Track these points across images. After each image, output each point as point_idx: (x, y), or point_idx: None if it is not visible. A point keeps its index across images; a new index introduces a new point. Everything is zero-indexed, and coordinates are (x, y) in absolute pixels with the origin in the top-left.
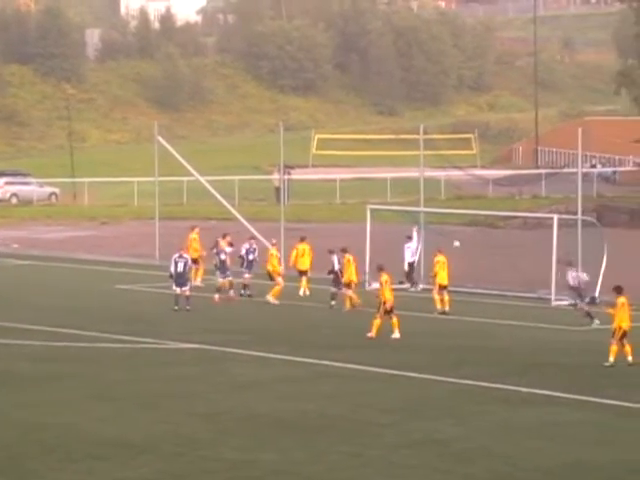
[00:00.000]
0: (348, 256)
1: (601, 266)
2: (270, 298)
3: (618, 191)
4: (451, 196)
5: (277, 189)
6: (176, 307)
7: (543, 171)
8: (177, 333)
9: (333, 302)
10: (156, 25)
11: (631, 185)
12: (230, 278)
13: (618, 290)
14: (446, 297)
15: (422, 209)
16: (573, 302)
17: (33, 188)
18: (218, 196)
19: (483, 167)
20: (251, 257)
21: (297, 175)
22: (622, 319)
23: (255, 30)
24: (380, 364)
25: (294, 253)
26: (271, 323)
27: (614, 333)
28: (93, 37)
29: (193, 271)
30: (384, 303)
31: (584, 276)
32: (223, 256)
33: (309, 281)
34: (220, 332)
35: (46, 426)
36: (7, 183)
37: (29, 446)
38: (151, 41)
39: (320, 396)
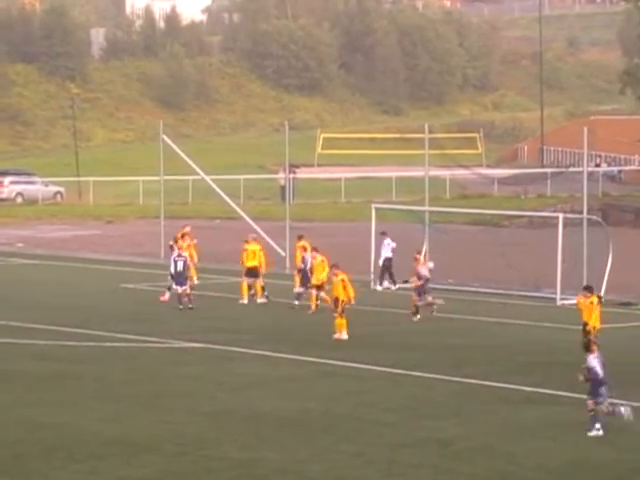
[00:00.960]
0: (320, 257)
1: (606, 265)
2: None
3: (623, 190)
4: (456, 195)
5: (282, 188)
6: (180, 306)
7: (548, 170)
8: (181, 332)
9: (297, 302)
10: (161, 24)
11: (636, 184)
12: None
13: (589, 289)
14: (429, 298)
15: (427, 208)
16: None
17: (38, 187)
18: (223, 195)
19: (488, 166)
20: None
21: (302, 174)
22: (589, 318)
23: (260, 29)
24: (383, 363)
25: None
26: (275, 322)
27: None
28: (98, 36)
29: (193, 270)
30: (342, 302)
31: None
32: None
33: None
34: (224, 331)
35: (49, 425)
36: (12, 182)
37: (32, 445)
38: (156, 40)
39: (323, 395)
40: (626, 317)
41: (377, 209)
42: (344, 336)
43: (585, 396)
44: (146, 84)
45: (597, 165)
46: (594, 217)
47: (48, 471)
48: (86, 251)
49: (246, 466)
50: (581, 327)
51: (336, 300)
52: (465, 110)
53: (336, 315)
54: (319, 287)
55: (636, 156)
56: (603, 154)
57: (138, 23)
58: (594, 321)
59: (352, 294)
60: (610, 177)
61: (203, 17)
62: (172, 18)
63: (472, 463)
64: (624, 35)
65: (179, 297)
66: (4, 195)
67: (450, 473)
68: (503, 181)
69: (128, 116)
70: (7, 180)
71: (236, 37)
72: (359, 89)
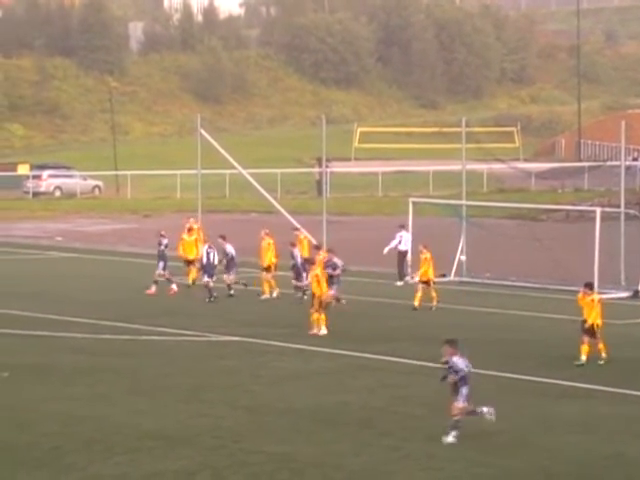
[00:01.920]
0: (324, 253)
1: None
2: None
3: None
4: (493, 189)
5: (318, 182)
6: (212, 298)
7: (586, 164)
8: (217, 325)
9: (300, 295)
10: (199, 18)
11: None
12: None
13: (589, 286)
14: (433, 293)
15: (464, 202)
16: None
17: (77, 181)
18: (260, 189)
19: (525, 160)
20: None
21: (339, 168)
22: (589, 315)
23: (297, 23)
24: (420, 357)
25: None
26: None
27: (595, 330)
28: (136, 30)
29: (194, 271)
30: (317, 297)
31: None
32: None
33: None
34: (261, 325)
35: (86, 418)
36: (51, 176)
37: (70, 439)
38: (194, 34)
39: (361, 389)
40: None
41: (414, 203)
42: (322, 331)
43: (624, 390)
44: (184, 78)
45: (634, 159)
46: (631, 211)
47: (86, 464)
48: (123, 245)
49: (282, 460)
50: (581, 324)
51: (313, 296)
52: (502, 104)
53: (312, 311)
54: (267, 269)
55: None
56: None
57: (176, 17)
58: (594, 318)
59: (325, 289)
60: None
61: (240, 10)
62: (210, 12)
63: (508, 457)
64: None
65: (210, 289)
66: (42, 189)
67: (486, 467)
68: (540, 175)
69: (166, 110)
70: (45, 174)
71: (273, 31)
72: (396, 83)
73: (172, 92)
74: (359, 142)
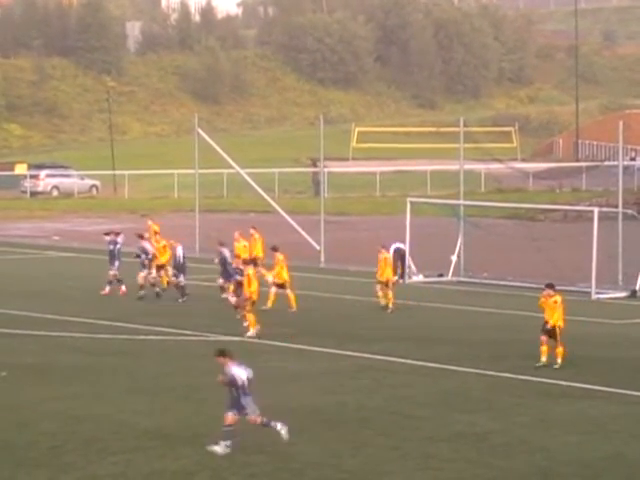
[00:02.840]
0: (281, 255)
1: None
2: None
3: None
4: (491, 189)
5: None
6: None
7: (584, 164)
8: (216, 325)
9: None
10: (197, 18)
11: None
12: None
13: (551, 287)
14: (390, 295)
15: (462, 202)
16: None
17: (74, 181)
18: (258, 189)
19: (523, 160)
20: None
21: (336, 168)
22: (550, 316)
23: (295, 22)
24: (419, 357)
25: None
26: (311, 316)
27: (556, 332)
28: (134, 30)
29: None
30: (249, 298)
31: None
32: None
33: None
34: (260, 325)
35: (85, 418)
36: (48, 176)
37: (68, 438)
38: (191, 34)
39: (359, 389)
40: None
41: (412, 203)
42: (250, 333)
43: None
44: (181, 78)
45: (632, 159)
46: (629, 211)
47: (84, 464)
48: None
49: (282, 459)
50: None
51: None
52: (500, 104)
53: (245, 312)
54: (281, 285)
55: None
56: (639, 148)
57: (174, 17)
58: (556, 320)
59: (254, 289)
60: None
61: (238, 10)
62: (207, 11)
63: (508, 457)
64: None
65: (179, 288)
66: (40, 188)
67: (486, 467)
68: (538, 175)
69: (163, 109)
70: (43, 173)
71: (271, 31)
72: (394, 83)
73: (170, 92)
74: (357, 142)
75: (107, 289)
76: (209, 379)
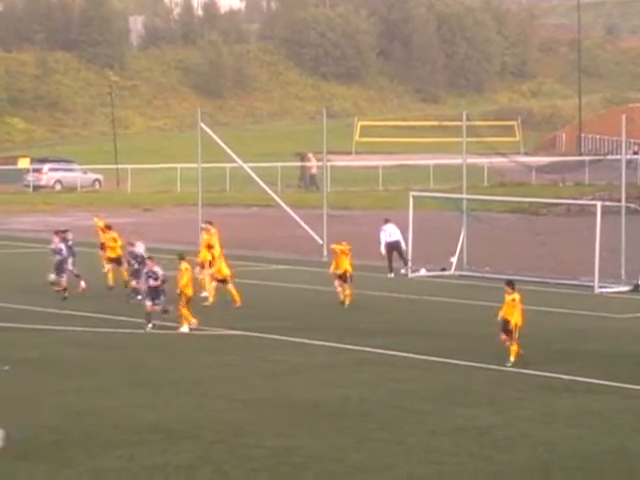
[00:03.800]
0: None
1: None
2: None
3: None
4: (494, 183)
5: (312, 176)
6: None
7: (586, 158)
8: (218, 319)
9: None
10: (199, 12)
11: None
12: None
13: (511, 285)
14: (347, 289)
15: (465, 196)
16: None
17: (77, 175)
18: (261, 183)
19: (526, 154)
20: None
21: (339, 162)
22: (510, 314)
23: (298, 17)
24: (421, 351)
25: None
26: (310, 310)
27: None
28: (136, 24)
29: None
30: (183, 292)
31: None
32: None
33: None
34: (260, 319)
35: (87, 412)
36: (51, 170)
37: (70, 432)
38: (194, 28)
39: (361, 383)
40: None
41: (415, 197)
42: (184, 329)
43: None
44: (184, 72)
45: (635, 153)
46: (632, 205)
47: (86, 458)
48: (123, 239)
49: (283, 454)
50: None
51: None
52: (503, 98)
53: (179, 307)
54: (223, 281)
55: None
56: None
57: (176, 11)
58: (516, 318)
59: (185, 283)
60: None
61: (241, 5)
62: (210, 6)
63: (510, 451)
64: None
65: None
66: (43, 182)
67: (488, 461)
68: (541, 169)
69: (166, 104)
70: (46, 167)
71: (274, 25)
72: (397, 77)
73: (172, 86)
74: (360, 136)
75: (82, 284)
76: (211, 373)
